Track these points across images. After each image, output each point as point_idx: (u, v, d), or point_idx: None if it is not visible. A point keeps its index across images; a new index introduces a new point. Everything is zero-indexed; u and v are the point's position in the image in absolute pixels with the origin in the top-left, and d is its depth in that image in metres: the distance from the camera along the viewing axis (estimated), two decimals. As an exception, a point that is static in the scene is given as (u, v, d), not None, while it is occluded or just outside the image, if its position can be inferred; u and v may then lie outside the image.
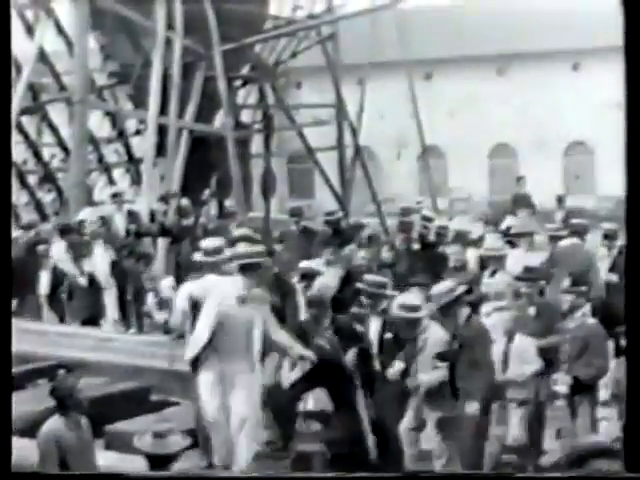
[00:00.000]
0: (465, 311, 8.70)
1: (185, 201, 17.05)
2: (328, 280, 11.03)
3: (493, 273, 11.38)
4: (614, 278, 11.52)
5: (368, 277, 10.00)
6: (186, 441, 6.46)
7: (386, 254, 12.89)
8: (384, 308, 9.66)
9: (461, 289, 8.65)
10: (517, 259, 11.80)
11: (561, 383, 8.92)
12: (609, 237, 12.02)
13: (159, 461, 6.28)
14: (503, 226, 14.08)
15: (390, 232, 13.90)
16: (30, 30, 19.93)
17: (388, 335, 9.51)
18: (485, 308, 10.96)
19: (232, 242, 10.18)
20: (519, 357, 9.10)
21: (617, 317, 8.20)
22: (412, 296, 9.61)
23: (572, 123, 28.95)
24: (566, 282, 9.34)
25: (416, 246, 13.32)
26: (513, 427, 8.95)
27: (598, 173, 29.30)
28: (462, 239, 13.06)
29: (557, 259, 12.00)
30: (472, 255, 12.64)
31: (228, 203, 19.63)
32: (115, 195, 16.01)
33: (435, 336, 8.91)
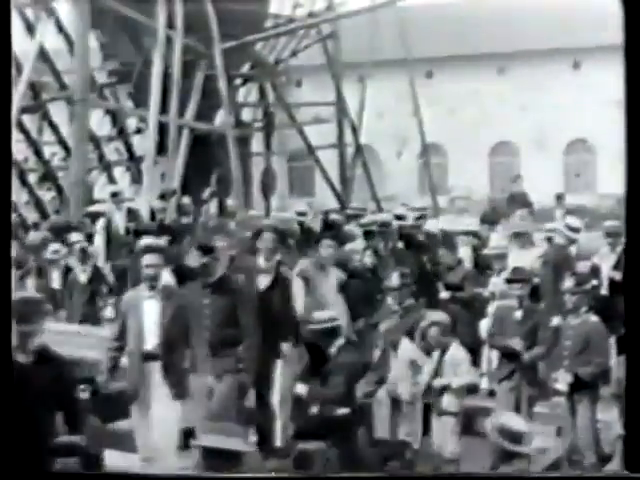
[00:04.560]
0: (340, 341, 8.67)
1: (186, 199, 17.01)
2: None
3: (499, 272, 11.38)
4: (617, 276, 11.49)
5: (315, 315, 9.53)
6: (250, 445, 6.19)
7: (368, 258, 12.61)
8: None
9: (338, 321, 8.66)
10: (514, 258, 11.81)
11: (561, 381, 8.91)
12: (612, 235, 11.99)
13: (221, 458, 5.90)
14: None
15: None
16: (30, 29, 19.90)
17: None
18: (491, 308, 10.98)
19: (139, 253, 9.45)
20: (452, 368, 9.12)
21: (620, 315, 8.19)
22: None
23: (573, 121, 28.92)
24: (569, 282, 9.33)
25: (400, 245, 13.25)
26: (447, 440, 8.95)
27: (599, 171, 29.27)
28: (454, 238, 13.15)
29: (548, 259, 12.02)
30: (466, 254, 12.67)
31: (230, 202, 19.61)
32: (114, 194, 16.00)
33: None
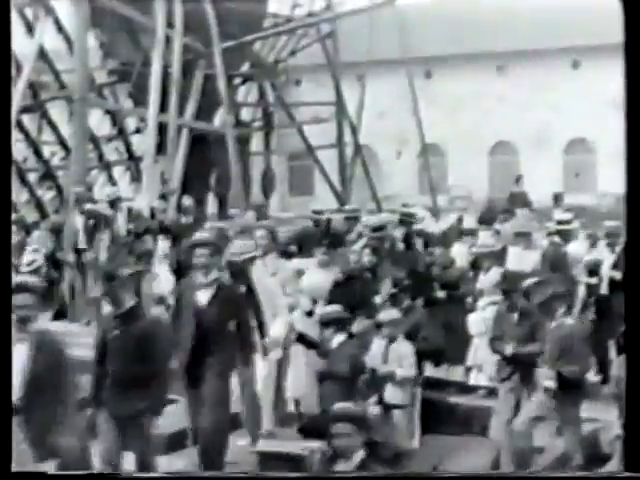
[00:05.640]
0: (341, 337, 9.04)
1: (189, 200, 16.94)
2: (320, 280, 11.00)
3: (488, 269, 11.43)
4: (617, 276, 11.50)
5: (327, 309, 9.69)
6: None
7: (366, 257, 12.52)
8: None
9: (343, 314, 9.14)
10: (515, 257, 11.83)
11: (547, 378, 8.83)
12: (611, 235, 11.99)
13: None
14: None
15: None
16: (30, 28, 19.91)
17: None
18: (481, 302, 11.04)
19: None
20: (397, 360, 9.39)
21: (620, 315, 8.17)
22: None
23: (572, 121, 28.95)
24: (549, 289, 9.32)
25: (401, 245, 13.23)
26: (397, 433, 9.16)
27: (598, 170, 29.29)
28: (449, 237, 13.19)
29: (545, 260, 12.05)
30: (460, 252, 12.69)
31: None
32: (112, 201, 15.79)
33: None
